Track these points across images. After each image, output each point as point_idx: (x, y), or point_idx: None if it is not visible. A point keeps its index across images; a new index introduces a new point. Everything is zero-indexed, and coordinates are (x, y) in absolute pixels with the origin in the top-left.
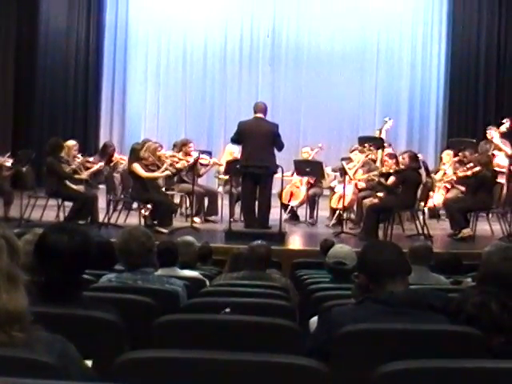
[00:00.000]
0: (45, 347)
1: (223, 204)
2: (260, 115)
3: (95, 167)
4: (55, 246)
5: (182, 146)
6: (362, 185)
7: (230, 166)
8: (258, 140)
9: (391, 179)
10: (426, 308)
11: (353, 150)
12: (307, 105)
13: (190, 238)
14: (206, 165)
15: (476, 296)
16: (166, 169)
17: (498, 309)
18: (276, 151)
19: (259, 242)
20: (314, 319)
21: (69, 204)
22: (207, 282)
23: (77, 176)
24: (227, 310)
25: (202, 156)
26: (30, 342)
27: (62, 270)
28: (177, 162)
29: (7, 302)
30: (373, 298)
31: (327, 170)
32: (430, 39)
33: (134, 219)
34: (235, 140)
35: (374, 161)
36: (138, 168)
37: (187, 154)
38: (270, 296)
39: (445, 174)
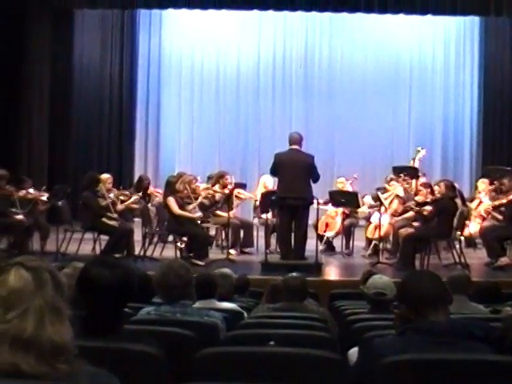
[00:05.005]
0: (89, 381)
1: (258, 235)
2: (295, 147)
3: (130, 200)
4: (97, 279)
5: (218, 179)
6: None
7: (266, 198)
8: (295, 171)
9: (428, 208)
10: (468, 337)
11: (389, 181)
12: (341, 135)
13: (227, 270)
14: (242, 198)
15: None
16: (200, 204)
17: None
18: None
19: (294, 274)
20: (354, 350)
21: (105, 237)
22: (245, 314)
23: (109, 214)
24: (271, 342)
25: (238, 190)
26: (74, 375)
27: (105, 304)
28: (212, 195)
29: (52, 334)
30: (414, 328)
31: (366, 199)
32: (463, 68)
33: (169, 252)
34: (274, 171)
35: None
36: (171, 203)
37: (224, 186)
38: (310, 327)
39: (480, 202)
